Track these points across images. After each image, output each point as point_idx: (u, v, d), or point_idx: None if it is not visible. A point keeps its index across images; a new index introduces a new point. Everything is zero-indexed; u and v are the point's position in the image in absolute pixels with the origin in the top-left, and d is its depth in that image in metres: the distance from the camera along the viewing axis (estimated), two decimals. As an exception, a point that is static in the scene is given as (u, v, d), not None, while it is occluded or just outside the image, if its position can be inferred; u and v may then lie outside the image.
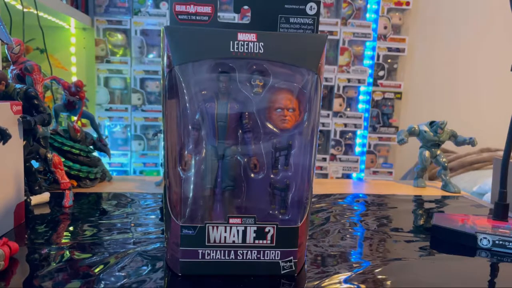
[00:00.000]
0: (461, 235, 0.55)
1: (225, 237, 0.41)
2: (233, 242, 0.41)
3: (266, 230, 0.41)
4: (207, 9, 0.41)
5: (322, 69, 0.41)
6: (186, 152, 0.41)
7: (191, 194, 0.41)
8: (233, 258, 0.42)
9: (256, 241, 0.41)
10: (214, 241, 0.41)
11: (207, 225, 0.41)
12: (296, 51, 0.40)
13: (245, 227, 0.41)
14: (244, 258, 0.42)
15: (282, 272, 0.42)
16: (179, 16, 0.41)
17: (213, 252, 0.41)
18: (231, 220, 0.41)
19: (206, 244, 0.41)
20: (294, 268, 0.42)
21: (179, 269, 0.41)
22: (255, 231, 0.41)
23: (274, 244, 0.42)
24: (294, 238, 0.42)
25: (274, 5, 0.42)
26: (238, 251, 0.42)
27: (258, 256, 0.42)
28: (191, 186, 0.41)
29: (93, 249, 0.47)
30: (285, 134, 0.42)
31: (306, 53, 0.40)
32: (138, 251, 0.47)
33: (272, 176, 0.43)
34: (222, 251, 0.41)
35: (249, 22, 0.42)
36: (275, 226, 0.41)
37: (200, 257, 0.41)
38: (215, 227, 0.41)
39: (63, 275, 0.40)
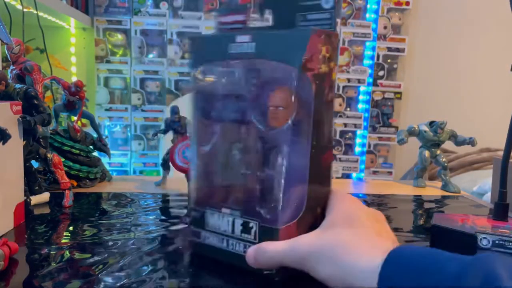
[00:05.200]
0: (461, 235, 0.55)
1: (219, 225, 0.43)
2: (225, 231, 0.43)
3: (250, 225, 0.41)
4: (241, 18, 0.45)
5: (310, 65, 0.39)
6: (200, 145, 0.46)
7: (199, 182, 0.46)
8: (226, 246, 0.43)
9: (243, 235, 0.42)
10: (211, 226, 0.44)
11: (206, 210, 0.44)
12: (282, 48, 0.40)
13: (233, 219, 0.42)
14: (234, 249, 0.43)
15: (264, 272, 0.41)
16: (221, 26, 0.46)
17: (210, 236, 0.44)
18: (223, 210, 0.43)
19: (205, 228, 0.44)
20: (273, 271, 0.40)
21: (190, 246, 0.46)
22: (241, 225, 0.42)
23: (257, 241, 0.41)
24: (274, 240, 0.40)
25: (289, 3, 0.43)
26: (229, 241, 0.43)
27: (245, 250, 0.42)
28: (199, 175, 0.46)
29: (93, 249, 0.47)
30: (276, 132, 0.41)
31: (290, 50, 0.40)
32: (138, 251, 0.47)
33: (258, 173, 0.42)
34: (216, 237, 0.44)
35: (271, 25, 0.45)
36: (257, 223, 0.41)
37: (202, 239, 0.45)
38: (211, 214, 0.44)
39: (63, 275, 0.40)
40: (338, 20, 0.42)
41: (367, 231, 0.35)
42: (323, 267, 0.33)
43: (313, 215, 0.42)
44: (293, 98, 0.40)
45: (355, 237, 0.34)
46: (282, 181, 0.41)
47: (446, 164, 0.88)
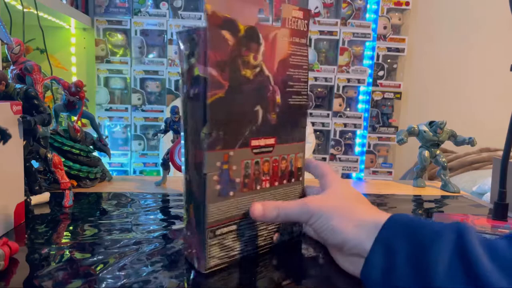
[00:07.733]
0: (461, 235, 0.55)
1: None
2: None
3: None
4: None
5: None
6: None
7: None
8: None
9: None
10: None
11: None
12: None
13: None
14: None
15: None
16: None
17: None
18: None
19: None
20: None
21: None
22: None
23: None
24: None
25: None
26: None
27: None
28: None
29: (93, 249, 0.47)
30: None
31: None
32: (138, 251, 0.47)
33: None
34: None
35: None
36: None
37: None
38: None
39: (63, 275, 0.41)
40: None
41: (369, 204, 0.43)
42: (334, 221, 0.39)
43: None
44: None
45: (361, 204, 0.41)
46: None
47: (445, 164, 0.88)
